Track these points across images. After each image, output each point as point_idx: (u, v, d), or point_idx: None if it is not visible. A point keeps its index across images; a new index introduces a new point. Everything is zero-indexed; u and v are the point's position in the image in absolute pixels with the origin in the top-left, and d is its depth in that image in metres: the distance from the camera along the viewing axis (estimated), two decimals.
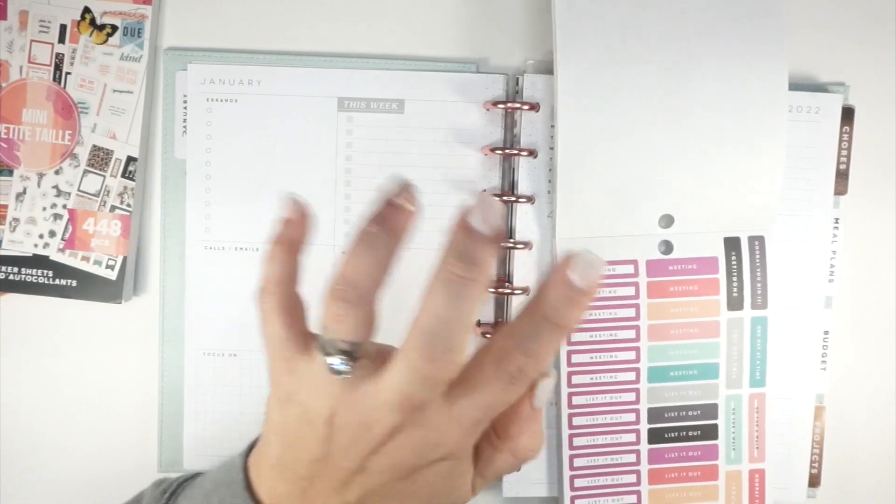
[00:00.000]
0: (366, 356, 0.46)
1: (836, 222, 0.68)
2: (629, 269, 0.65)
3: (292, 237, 0.49)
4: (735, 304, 0.65)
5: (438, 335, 0.44)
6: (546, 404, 0.50)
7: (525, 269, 0.66)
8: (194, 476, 0.57)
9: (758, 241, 0.65)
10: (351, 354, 0.45)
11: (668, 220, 0.65)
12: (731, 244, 0.65)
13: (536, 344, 0.46)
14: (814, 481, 0.69)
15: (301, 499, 0.49)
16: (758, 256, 0.65)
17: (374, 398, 0.45)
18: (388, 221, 0.46)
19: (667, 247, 0.65)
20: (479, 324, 0.67)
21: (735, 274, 0.65)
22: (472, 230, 0.44)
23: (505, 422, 0.50)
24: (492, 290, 0.66)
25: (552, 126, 0.65)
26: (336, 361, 0.45)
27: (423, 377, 0.44)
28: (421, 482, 0.48)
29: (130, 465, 0.69)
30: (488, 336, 0.66)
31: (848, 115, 0.67)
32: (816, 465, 0.69)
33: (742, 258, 0.65)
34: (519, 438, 0.50)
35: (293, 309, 0.49)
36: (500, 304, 0.68)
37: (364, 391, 0.46)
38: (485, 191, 0.45)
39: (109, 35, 0.67)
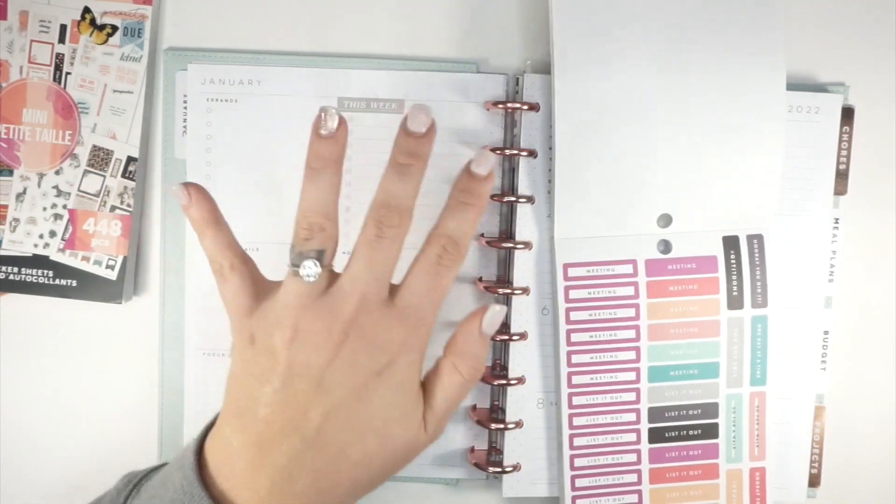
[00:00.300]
0: (329, 265, 0.57)
1: (836, 222, 0.69)
2: (628, 268, 0.66)
3: (211, 213, 0.59)
4: (735, 302, 0.66)
5: (390, 203, 0.56)
6: (493, 331, 0.60)
7: (525, 269, 0.67)
8: (161, 466, 0.61)
9: (756, 240, 0.66)
10: (317, 259, 0.55)
11: (666, 220, 0.65)
12: (730, 243, 0.66)
13: (453, 223, 0.58)
14: (814, 481, 0.70)
15: (257, 447, 0.55)
16: (757, 255, 0.66)
17: (335, 295, 0.56)
18: (324, 154, 0.56)
19: (665, 246, 0.66)
20: None
21: (734, 273, 0.66)
22: (410, 131, 0.57)
23: (452, 340, 0.60)
24: (491, 290, 0.67)
25: (552, 126, 0.65)
26: (304, 268, 0.55)
27: (378, 250, 0.56)
28: (375, 402, 0.56)
29: (131, 465, 0.69)
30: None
31: (848, 115, 0.68)
32: (816, 465, 0.70)
33: (741, 257, 0.66)
34: (463, 355, 0.60)
35: (246, 265, 0.59)
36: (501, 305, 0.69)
37: (326, 293, 0.56)
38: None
39: (109, 35, 0.68)
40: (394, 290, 0.58)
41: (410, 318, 0.57)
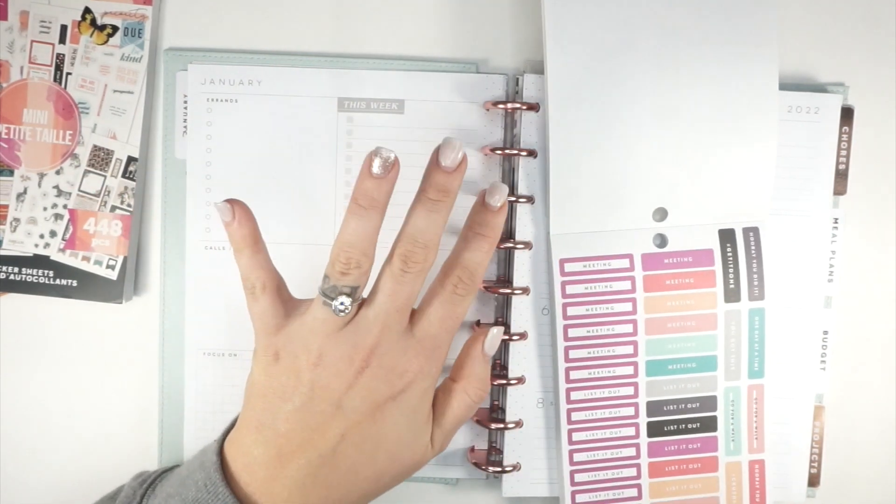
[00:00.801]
0: (359, 299, 0.59)
1: (836, 222, 0.71)
2: (625, 262, 0.67)
3: (251, 233, 0.61)
4: (732, 295, 0.68)
5: (418, 238, 0.59)
6: (494, 351, 0.65)
7: (525, 269, 0.69)
8: (173, 467, 0.65)
9: (752, 233, 0.68)
10: (350, 296, 0.58)
11: (661, 214, 0.67)
12: (726, 236, 0.67)
13: (468, 253, 0.61)
14: (813, 481, 0.72)
15: (277, 459, 0.58)
16: (753, 248, 0.68)
17: (359, 324, 0.59)
18: (372, 194, 0.58)
19: (661, 240, 0.68)
20: (478, 324, 0.70)
21: (731, 266, 0.68)
22: (441, 166, 0.59)
23: (459, 364, 0.65)
24: (492, 290, 0.69)
25: (546, 122, 0.67)
26: (337, 303, 0.58)
27: (403, 284, 0.59)
28: (389, 425, 0.59)
29: (131, 465, 0.71)
30: None
31: (847, 115, 0.70)
32: (816, 464, 0.71)
33: (737, 250, 0.68)
34: (470, 378, 0.64)
35: (277, 285, 0.61)
36: (501, 305, 0.71)
37: (351, 323, 0.59)
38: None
39: (110, 35, 0.70)
40: (412, 316, 0.61)
41: (427, 346, 0.61)
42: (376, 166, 0.57)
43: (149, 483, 0.62)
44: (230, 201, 0.60)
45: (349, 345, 0.59)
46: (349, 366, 0.58)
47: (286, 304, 0.61)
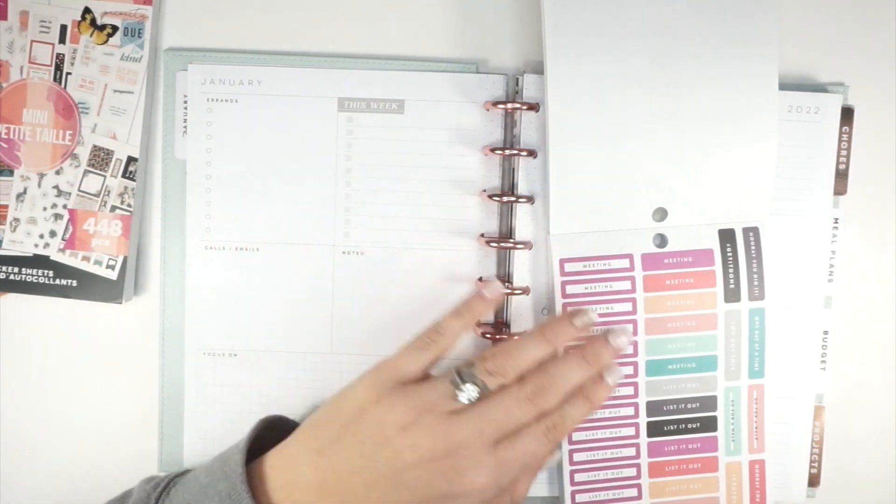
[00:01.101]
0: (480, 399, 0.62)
1: (836, 222, 0.71)
2: (625, 262, 0.68)
3: (480, 311, 0.66)
4: (732, 295, 0.68)
5: (557, 383, 0.63)
6: (545, 470, 0.69)
7: (525, 269, 0.69)
8: (185, 472, 0.64)
9: (752, 233, 0.68)
10: (479, 392, 0.61)
11: (661, 214, 0.68)
12: (726, 236, 0.68)
13: (570, 408, 0.64)
14: (813, 481, 0.72)
15: (316, 490, 0.60)
16: (753, 248, 0.68)
17: (460, 419, 0.60)
18: (559, 338, 0.65)
19: (661, 240, 0.68)
20: (479, 324, 0.71)
21: (731, 266, 0.68)
22: (607, 343, 0.65)
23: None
24: None
25: (545, 122, 0.67)
26: (466, 390, 0.61)
27: (520, 409, 0.62)
28: None
29: (131, 465, 0.72)
30: (487, 336, 0.69)
31: (847, 115, 0.70)
32: (816, 464, 0.72)
33: (737, 250, 0.68)
34: (518, 486, 0.65)
35: (439, 355, 0.64)
36: (501, 305, 0.71)
37: (456, 413, 0.61)
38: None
39: (110, 35, 0.71)
40: (501, 437, 0.62)
41: (500, 469, 0.61)
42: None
43: (162, 487, 0.62)
44: (501, 290, 0.68)
45: (438, 432, 0.60)
46: (427, 449, 0.59)
47: (428, 374, 0.64)
